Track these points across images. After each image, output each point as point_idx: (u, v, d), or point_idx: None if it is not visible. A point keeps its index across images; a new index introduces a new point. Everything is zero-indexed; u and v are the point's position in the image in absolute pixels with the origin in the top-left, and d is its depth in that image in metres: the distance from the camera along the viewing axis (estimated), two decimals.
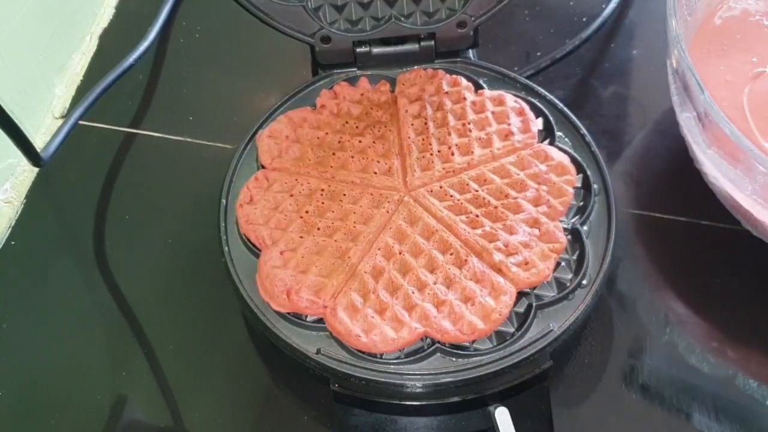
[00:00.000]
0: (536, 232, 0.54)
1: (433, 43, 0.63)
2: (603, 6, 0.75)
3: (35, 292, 0.61)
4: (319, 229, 0.55)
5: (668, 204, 0.63)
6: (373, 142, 0.60)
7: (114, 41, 0.76)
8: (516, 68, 0.68)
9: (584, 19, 0.74)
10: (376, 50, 0.63)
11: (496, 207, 0.56)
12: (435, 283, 0.52)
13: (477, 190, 0.57)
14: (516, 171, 0.57)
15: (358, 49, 0.63)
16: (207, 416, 0.56)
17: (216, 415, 0.56)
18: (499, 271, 0.53)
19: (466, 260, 0.53)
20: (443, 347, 0.51)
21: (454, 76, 0.63)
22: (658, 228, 0.63)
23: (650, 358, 0.57)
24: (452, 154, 0.59)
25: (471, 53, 0.65)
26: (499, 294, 0.52)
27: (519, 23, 0.75)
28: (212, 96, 0.72)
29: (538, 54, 0.72)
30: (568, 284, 0.53)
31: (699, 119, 0.55)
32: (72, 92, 0.72)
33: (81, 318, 0.60)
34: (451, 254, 0.54)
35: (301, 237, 0.55)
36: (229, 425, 0.55)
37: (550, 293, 0.53)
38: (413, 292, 0.52)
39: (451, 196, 0.57)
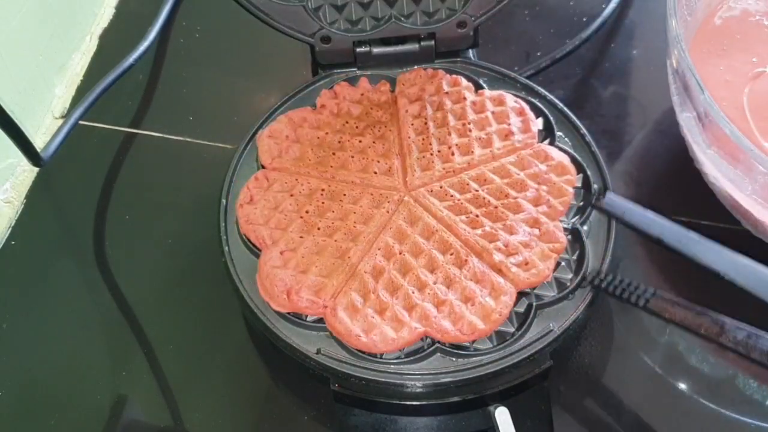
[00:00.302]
0: (536, 232, 0.54)
1: (433, 43, 0.63)
2: (603, 6, 0.75)
3: (35, 292, 0.61)
4: (319, 229, 0.55)
5: (668, 204, 0.63)
6: (373, 142, 0.60)
7: (114, 41, 0.76)
8: (516, 68, 0.68)
9: (584, 19, 0.74)
10: (376, 50, 0.63)
11: (496, 207, 0.56)
12: (435, 283, 0.52)
13: (477, 190, 0.57)
14: (516, 171, 0.57)
15: (358, 49, 0.63)
16: (207, 416, 0.56)
17: (216, 415, 0.56)
18: (499, 271, 0.53)
19: (466, 260, 0.53)
20: (443, 347, 0.51)
21: (454, 76, 0.63)
22: None
23: (650, 358, 0.57)
24: (452, 154, 0.59)
25: (471, 53, 0.65)
26: (499, 294, 0.52)
27: (519, 23, 0.75)
28: (212, 96, 0.72)
29: (538, 54, 0.72)
30: (568, 284, 0.53)
31: (699, 119, 0.55)
32: (72, 92, 0.72)
33: (81, 318, 0.60)
34: (451, 254, 0.54)
35: (301, 237, 0.55)
36: (229, 425, 0.55)
37: (550, 293, 0.53)
38: (413, 292, 0.52)
39: (451, 196, 0.57)
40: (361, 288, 0.52)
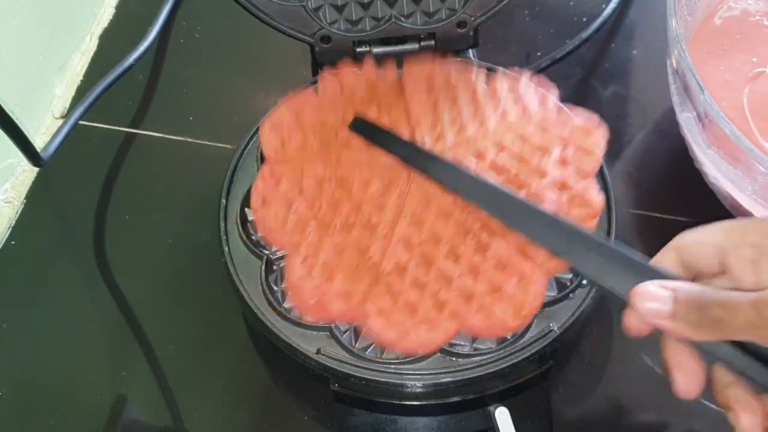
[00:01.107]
0: (564, 197, 0.52)
1: (433, 43, 0.63)
2: (603, 6, 0.75)
3: (35, 292, 0.61)
4: (335, 226, 0.53)
5: (668, 204, 0.63)
6: (379, 114, 0.58)
7: (114, 41, 0.76)
8: (516, 68, 0.68)
9: (584, 19, 0.74)
10: (376, 50, 0.63)
11: (516, 174, 0.53)
12: (460, 276, 0.50)
13: (494, 158, 0.54)
14: (536, 135, 0.55)
15: (358, 49, 0.62)
16: (207, 416, 0.56)
17: (216, 415, 0.56)
18: (524, 253, 0.50)
19: (488, 244, 0.51)
20: (443, 347, 0.51)
21: (463, 59, 0.61)
22: (658, 228, 0.63)
23: (650, 358, 0.56)
24: (464, 125, 0.56)
25: (471, 53, 0.65)
26: (527, 284, 0.50)
27: (519, 23, 0.75)
28: (212, 96, 0.72)
29: (538, 54, 0.72)
30: (568, 284, 0.53)
31: (699, 119, 0.55)
32: (72, 92, 0.72)
33: (81, 318, 0.60)
34: (472, 239, 0.51)
35: (319, 239, 0.52)
36: (229, 425, 0.55)
37: (550, 293, 0.53)
38: (440, 290, 0.50)
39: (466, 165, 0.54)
40: (388, 291, 0.50)
